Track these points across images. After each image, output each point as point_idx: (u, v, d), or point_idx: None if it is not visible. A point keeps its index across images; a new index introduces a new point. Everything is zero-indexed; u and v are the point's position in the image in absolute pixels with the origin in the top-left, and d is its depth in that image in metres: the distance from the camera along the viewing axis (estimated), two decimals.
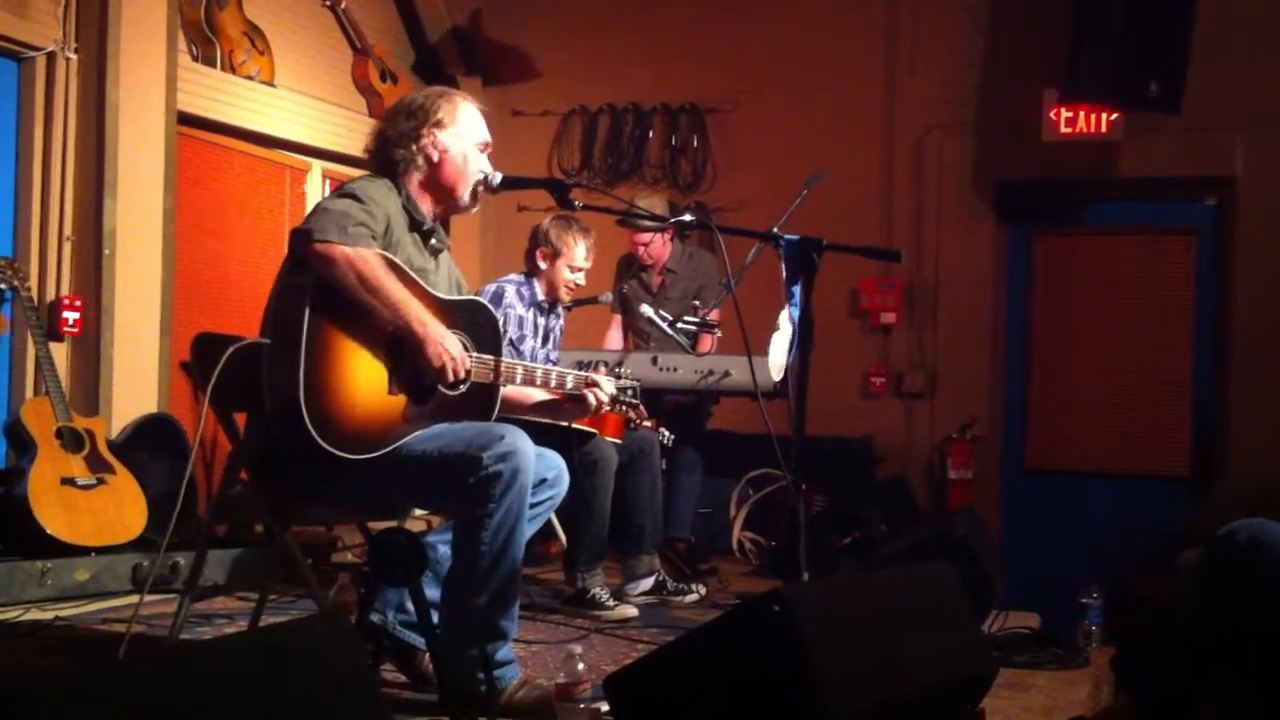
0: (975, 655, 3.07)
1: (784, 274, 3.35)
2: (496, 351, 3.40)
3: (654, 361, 5.69)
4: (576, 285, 5.01)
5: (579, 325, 5.98)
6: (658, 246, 5.95)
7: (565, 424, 4.34)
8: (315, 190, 7.08)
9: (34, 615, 4.29)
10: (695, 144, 7.74)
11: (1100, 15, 6.33)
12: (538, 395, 3.63)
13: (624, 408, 3.78)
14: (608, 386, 3.60)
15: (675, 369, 5.68)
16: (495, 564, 3.15)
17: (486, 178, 3.48)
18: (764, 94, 7.59)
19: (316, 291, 3.05)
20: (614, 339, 6.20)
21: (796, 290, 3.33)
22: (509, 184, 3.58)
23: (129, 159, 5.54)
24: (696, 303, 5.66)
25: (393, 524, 3.14)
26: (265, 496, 3.29)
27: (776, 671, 2.51)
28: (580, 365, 4.97)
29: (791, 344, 3.28)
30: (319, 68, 7.04)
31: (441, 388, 3.22)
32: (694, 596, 5.17)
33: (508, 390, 3.47)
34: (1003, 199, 7.34)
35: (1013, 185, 7.33)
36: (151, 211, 5.68)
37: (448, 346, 3.15)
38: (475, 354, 3.30)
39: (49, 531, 4.54)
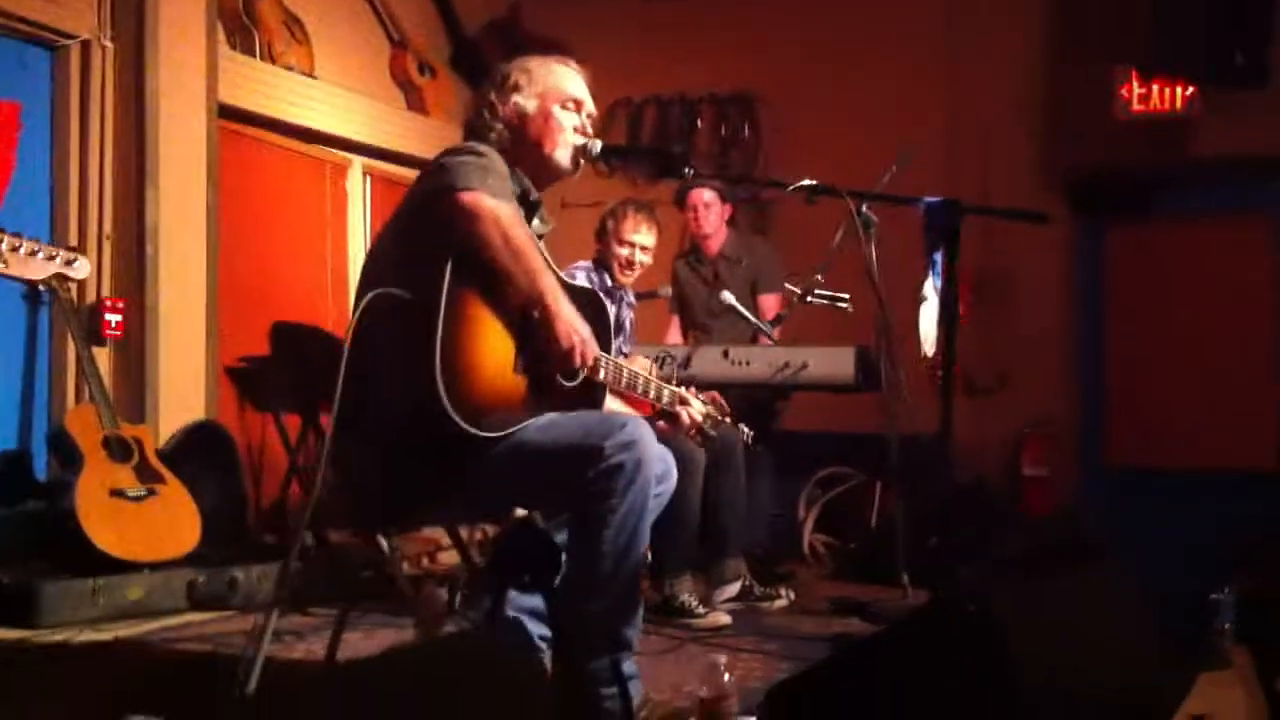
0: (1164, 660, 2.77)
1: (926, 242, 3.06)
2: (606, 349, 3.10)
3: (725, 355, 5.38)
4: (629, 261, 4.74)
5: (639, 319, 5.67)
6: (716, 213, 5.64)
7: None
8: (356, 188, 6.77)
9: (89, 636, 3.96)
10: (746, 134, 7.45)
11: None
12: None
13: (704, 438, 3.50)
14: (698, 407, 3.35)
15: (748, 362, 5.37)
16: (618, 565, 2.81)
17: (586, 146, 3.17)
18: (818, 80, 7.26)
19: (457, 251, 2.72)
20: (674, 339, 5.91)
21: (938, 258, 3.04)
22: (610, 153, 3.27)
23: (170, 151, 5.23)
24: (819, 277, 5.22)
25: (520, 518, 2.80)
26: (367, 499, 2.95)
27: (975, 677, 2.20)
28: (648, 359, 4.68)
29: (941, 312, 2.98)
30: (358, 60, 6.74)
31: (560, 376, 2.91)
32: (782, 602, 4.86)
33: None
34: (1073, 187, 7.01)
35: (1083, 172, 7.00)
36: (194, 207, 5.36)
37: (578, 327, 2.84)
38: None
39: (99, 546, 4.22)
